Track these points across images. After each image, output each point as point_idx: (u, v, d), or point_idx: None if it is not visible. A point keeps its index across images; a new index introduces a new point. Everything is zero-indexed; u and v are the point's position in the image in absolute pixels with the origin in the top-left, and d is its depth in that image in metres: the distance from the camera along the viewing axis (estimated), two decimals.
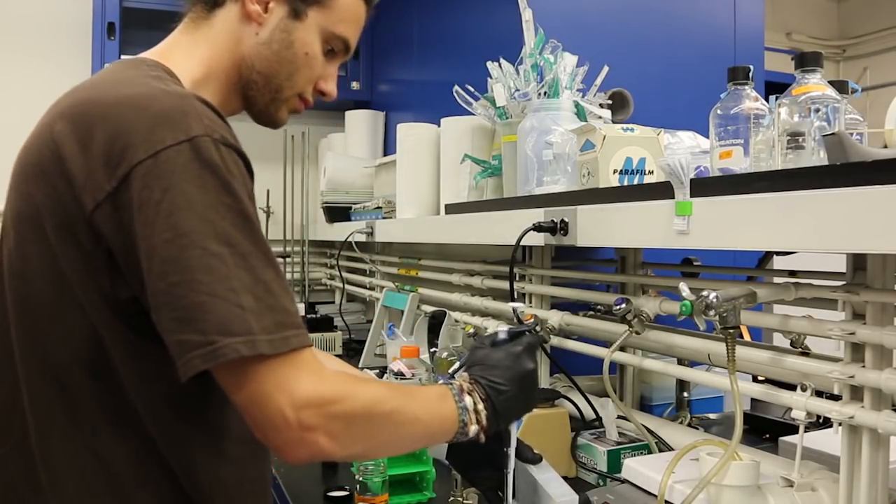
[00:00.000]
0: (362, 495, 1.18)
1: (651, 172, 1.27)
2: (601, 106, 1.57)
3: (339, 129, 3.33)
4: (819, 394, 0.98)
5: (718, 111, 1.07)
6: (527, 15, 1.63)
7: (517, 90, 1.57)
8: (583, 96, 1.57)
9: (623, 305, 1.27)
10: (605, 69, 1.60)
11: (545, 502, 0.94)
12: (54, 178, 0.77)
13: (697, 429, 1.53)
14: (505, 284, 1.61)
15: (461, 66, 2.25)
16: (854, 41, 4.74)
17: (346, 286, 2.98)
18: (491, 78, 1.63)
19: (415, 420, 0.82)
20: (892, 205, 0.71)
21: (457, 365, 0.95)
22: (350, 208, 2.80)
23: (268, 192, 3.28)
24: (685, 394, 1.63)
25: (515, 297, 1.47)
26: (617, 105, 1.66)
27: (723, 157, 1.06)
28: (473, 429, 0.85)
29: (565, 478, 1.08)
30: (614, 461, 1.27)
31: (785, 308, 1.13)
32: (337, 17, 0.95)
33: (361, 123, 3.21)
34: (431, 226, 1.95)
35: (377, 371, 1.88)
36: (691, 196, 0.98)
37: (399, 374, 1.48)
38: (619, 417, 1.35)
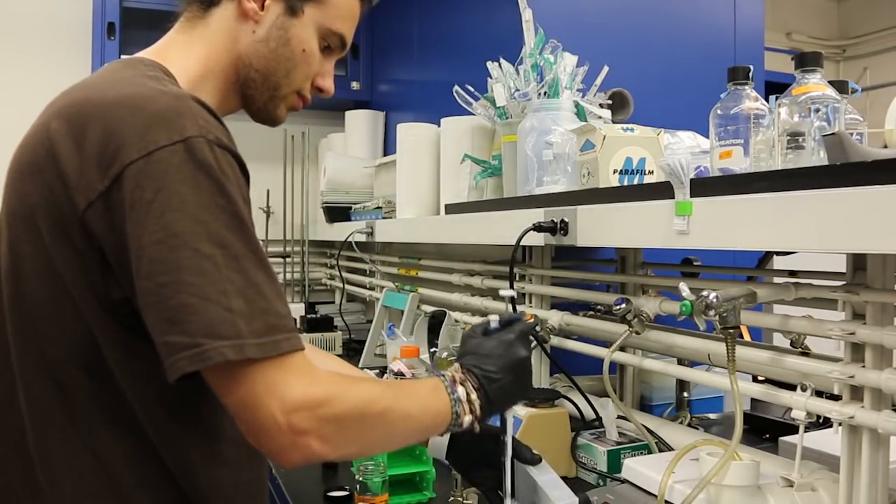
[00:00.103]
0: (362, 495, 1.18)
1: (651, 172, 1.26)
2: (601, 106, 1.57)
3: (339, 129, 3.33)
4: (819, 394, 0.98)
5: (718, 111, 1.07)
6: (527, 15, 1.62)
7: (517, 90, 1.56)
8: (583, 96, 1.57)
9: (623, 305, 1.27)
10: (605, 69, 1.60)
11: None
12: (49, 177, 0.77)
13: (697, 429, 1.53)
14: (505, 284, 1.61)
15: (461, 66, 2.24)
16: (854, 41, 4.73)
17: (346, 286, 2.98)
18: (491, 78, 1.63)
19: (407, 416, 0.82)
20: (892, 205, 0.71)
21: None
22: (350, 208, 2.79)
23: (268, 192, 3.28)
24: (685, 394, 1.62)
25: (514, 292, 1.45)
26: (617, 105, 1.65)
27: (723, 157, 1.06)
28: (467, 419, 0.85)
29: (565, 478, 1.08)
30: (614, 461, 1.27)
31: (785, 308, 1.13)
32: (333, 13, 0.95)
33: (361, 123, 3.20)
34: (431, 226, 1.95)
35: (377, 371, 1.88)
36: (691, 196, 0.98)
37: (399, 374, 1.48)
38: (619, 417, 1.35)
